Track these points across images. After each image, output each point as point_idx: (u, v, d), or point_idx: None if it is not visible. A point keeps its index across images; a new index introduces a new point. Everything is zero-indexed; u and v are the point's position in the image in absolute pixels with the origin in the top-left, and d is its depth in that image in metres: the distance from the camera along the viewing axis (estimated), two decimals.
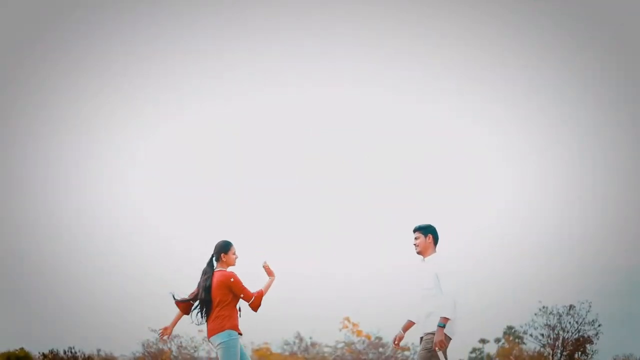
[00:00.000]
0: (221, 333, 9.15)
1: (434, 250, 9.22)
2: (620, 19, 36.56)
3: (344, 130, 39.07)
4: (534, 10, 37.23)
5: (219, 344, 9.15)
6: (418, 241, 9.20)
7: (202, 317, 9.30)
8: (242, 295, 9.20)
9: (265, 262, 9.47)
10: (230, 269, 9.38)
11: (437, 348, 8.84)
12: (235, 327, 9.19)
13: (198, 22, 37.66)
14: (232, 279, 9.21)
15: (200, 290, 9.28)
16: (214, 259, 9.41)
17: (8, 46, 37.17)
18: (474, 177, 38.58)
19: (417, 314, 9.20)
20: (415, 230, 9.25)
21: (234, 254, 9.39)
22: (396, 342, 9.31)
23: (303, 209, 36.08)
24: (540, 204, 37.76)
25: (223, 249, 9.38)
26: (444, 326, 8.85)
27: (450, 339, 8.98)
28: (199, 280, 9.37)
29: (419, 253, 9.22)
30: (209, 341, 9.34)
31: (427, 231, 9.22)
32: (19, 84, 37.62)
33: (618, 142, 38.42)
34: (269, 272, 9.45)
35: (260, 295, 9.25)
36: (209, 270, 9.35)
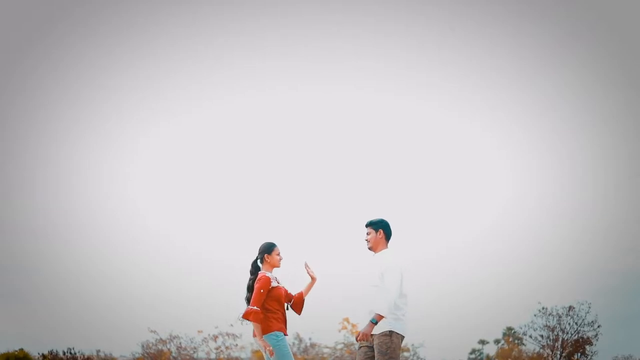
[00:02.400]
0: (269, 335, 9.11)
1: (385, 246, 9.06)
2: (620, 19, 36.54)
3: (344, 130, 39.04)
4: (534, 10, 37.21)
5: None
6: (369, 236, 9.05)
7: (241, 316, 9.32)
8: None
9: (305, 263, 9.41)
10: (275, 270, 9.32)
11: (358, 339, 8.76)
12: (281, 329, 9.15)
13: (198, 22, 37.63)
14: (258, 281, 9.18)
15: (247, 290, 9.31)
16: (258, 260, 9.34)
17: (8, 46, 37.13)
18: (475, 178, 38.57)
19: (363, 312, 9.07)
20: (366, 226, 9.10)
21: (278, 254, 9.28)
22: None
23: (303, 208, 36.06)
24: (540, 206, 37.75)
25: (266, 249, 9.28)
26: (375, 322, 8.71)
27: (403, 337, 8.88)
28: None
29: (370, 249, 9.08)
30: (254, 339, 9.28)
31: (379, 226, 9.05)
32: (19, 84, 37.56)
33: (618, 144, 38.39)
34: (311, 275, 9.42)
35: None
36: (253, 271, 9.30)
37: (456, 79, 38.58)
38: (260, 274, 9.25)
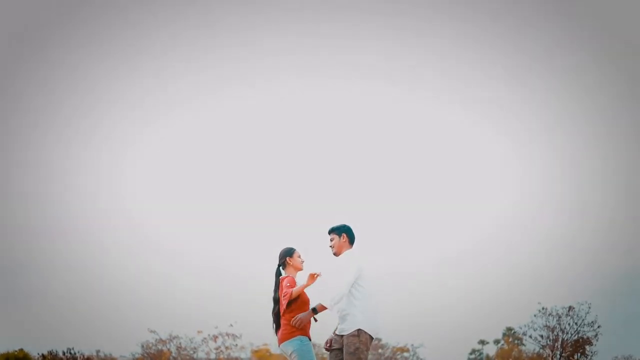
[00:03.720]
0: (292, 340, 9.03)
1: (349, 248, 9.16)
2: (620, 19, 36.58)
3: (345, 130, 39.05)
4: (537, 13, 37.23)
5: (292, 352, 9.02)
6: (333, 242, 9.17)
7: (274, 328, 9.19)
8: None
9: (319, 274, 9.28)
10: (299, 274, 9.29)
11: (293, 323, 8.81)
12: (305, 333, 9.08)
13: (198, 22, 37.64)
14: (284, 281, 9.13)
15: (273, 302, 9.23)
16: (280, 267, 9.31)
17: (8, 46, 37.15)
18: (477, 180, 38.59)
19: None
20: (330, 232, 9.21)
21: (299, 257, 9.29)
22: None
23: (303, 208, 36.07)
24: (540, 206, 37.76)
25: (287, 253, 9.29)
26: (315, 311, 8.83)
27: (372, 338, 8.90)
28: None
29: (334, 254, 9.17)
30: (279, 348, 9.20)
31: (341, 231, 9.17)
32: (20, 84, 37.59)
33: (617, 147, 38.40)
34: (310, 278, 9.26)
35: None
36: (276, 281, 9.26)
37: (458, 80, 38.61)
38: (285, 277, 9.18)
